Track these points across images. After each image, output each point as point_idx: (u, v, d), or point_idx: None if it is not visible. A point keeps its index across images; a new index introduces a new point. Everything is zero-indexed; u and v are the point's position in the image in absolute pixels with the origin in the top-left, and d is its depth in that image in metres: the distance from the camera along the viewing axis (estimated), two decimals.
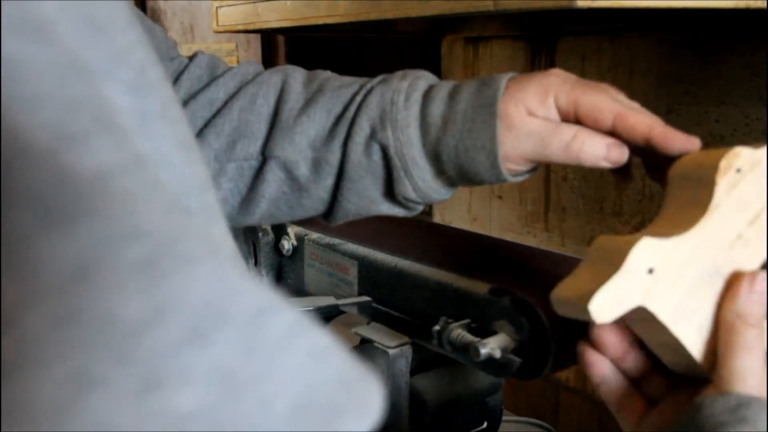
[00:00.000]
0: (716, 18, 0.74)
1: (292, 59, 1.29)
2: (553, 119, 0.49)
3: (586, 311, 0.38)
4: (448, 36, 1.16)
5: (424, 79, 0.54)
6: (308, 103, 0.55)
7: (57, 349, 0.18)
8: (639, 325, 0.42)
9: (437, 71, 1.17)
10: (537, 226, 1.07)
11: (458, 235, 0.76)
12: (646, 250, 0.40)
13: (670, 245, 0.40)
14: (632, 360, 0.45)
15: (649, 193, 0.92)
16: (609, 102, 0.48)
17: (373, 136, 0.53)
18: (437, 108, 0.52)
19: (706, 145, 0.84)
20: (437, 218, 1.22)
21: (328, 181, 0.55)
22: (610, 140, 0.48)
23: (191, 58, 0.60)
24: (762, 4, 0.54)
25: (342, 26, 0.81)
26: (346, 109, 0.54)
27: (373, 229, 0.74)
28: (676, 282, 0.40)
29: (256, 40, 1.35)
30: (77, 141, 0.20)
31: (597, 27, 0.93)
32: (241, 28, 0.96)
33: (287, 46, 1.29)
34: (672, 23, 0.83)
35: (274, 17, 0.88)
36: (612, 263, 0.40)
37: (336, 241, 0.72)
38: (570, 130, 0.48)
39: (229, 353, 0.19)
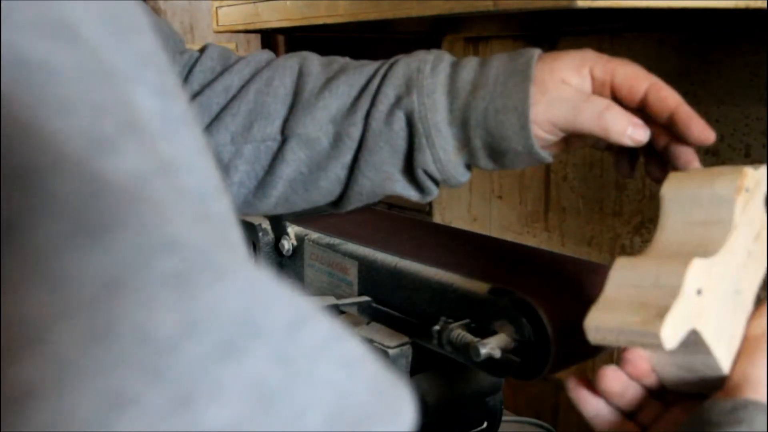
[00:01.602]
0: (716, 18, 0.74)
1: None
2: (586, 89, 0.50)
3: (656, 337, 0.37)
4: (448, 36, 1.16)
5: (447, 54, 0.54)
6: (330, 80, 0.55)
7: (89, 367, 0.17)
8: (678, 348, 0.40)
9: None
10: (537, 226, 1.07)
11: (458, 235, 0.76)
12: (699, 272, 0.39)
13: (711, 265, 0.40)
14: (630, 396, 0.45)
15: (649, 193, 0.92)
16: (644, 72, 0.50)
17: (397, 103, 0.52)
18: (467, 74, 0.52)
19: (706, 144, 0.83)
20: (437, 218, 1.22)
21: (347, 156, 0.54)
22: (637, 119, 0.49)
23: (202, 50, 0.61)
24: (762, 4, 0.54)
25: (342, 26, 0.81)
26: (369, 81, 0.54)
27: (373, 229, 0.74)
28: (714, 301, 0.40)
29: (256, 40, 1.35)
30: (107, 147, 0.20)
31: (597, 27, 0.93)
32: (241, 28, 0.96)
33: (287, 46, 1.29)
34: (672, 23, 0.83)
35: (274, 17, 0.88)
36: (659, 285, 0.39)
37: (336, 241, 0.72)
38: (603, 101, 0.49)
39: (262, 366, 0.19)
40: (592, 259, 0.92)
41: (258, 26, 0.92)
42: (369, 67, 0.55)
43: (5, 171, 0.18)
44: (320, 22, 0.81)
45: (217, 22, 1.00)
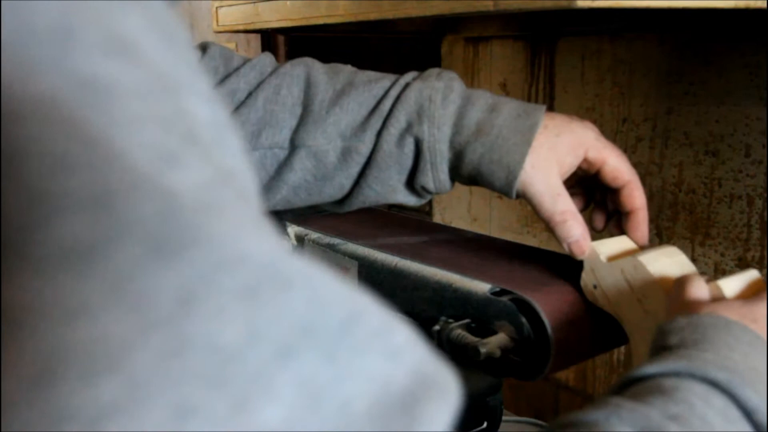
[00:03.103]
0: (716, 18, 0.74)
1: (292, 59, 1.28)
2: (565, 173, 0.56)
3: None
4: (448, 36, 1.16)
5: (457, 81, 0.59)
6: (339, 94, 0.58)
7: (162, 384, 0.18)
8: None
9: None
10: (537, 226, 1.07)
11: (458, 235, 0.76)
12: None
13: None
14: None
15: (649, 193, 0.92)
16: (629, 168, 0.57)
17: (408, 129, 0.57)
18: (475, 114, 0.56)
19: (706, 144, 0.83)
20: (437, 218, 1.22)
21: (354, 169, 0.59)
22: (585, 235, 0.56)
23: (203, 49, 0.61)
24: (762, 4, 0.54)
25: (342, 26, 0.81)
26: (380, 102, 0.58)
27: (373, 229, 0.74)
28: None
29: (256, 40, 1.35)
30: (174, 161, 0.20)
31: (597, 27, 0.93)
32: (241, 28, 0.96)
33: (287, 46, 1.29)
34: (672, 23, 0.83)
35: (274, 17, 0.88)
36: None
37: (336, 241, 0.72)
38: (565, 207, 0.55)
39: (313, 365, 0.20)
40: None
41: (258, 26, 0.92)
42: (378, 85, 0.59)
43: (85, 198, 0.18)
44: (320, 22, 0.81)
45: (217, 22, 1.00)
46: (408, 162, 0.58)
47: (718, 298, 0.45)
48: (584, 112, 0.97)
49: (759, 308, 0.42)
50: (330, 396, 0.20)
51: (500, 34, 1.08)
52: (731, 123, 0.82)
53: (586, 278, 0.55)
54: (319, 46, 1.19)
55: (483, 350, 0.52)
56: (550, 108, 1.02)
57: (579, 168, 0.57)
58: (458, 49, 1.14)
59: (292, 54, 1.27)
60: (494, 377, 0.67)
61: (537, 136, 0.55)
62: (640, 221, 0.57)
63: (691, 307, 0.43)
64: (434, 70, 0.59)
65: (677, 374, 0.36)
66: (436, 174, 0.58)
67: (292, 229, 0.78)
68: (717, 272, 0.86)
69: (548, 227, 0.56)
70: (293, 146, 0.59)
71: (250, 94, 0.59)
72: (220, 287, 0.19)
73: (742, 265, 0.84)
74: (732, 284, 0.47)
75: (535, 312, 0.52)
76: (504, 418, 0.71)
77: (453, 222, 1.19)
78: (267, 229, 0.22)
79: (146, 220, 0.19)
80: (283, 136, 0.59)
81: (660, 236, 0.91)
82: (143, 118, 0.20)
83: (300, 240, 0.77)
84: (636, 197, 0.57)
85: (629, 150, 0.93)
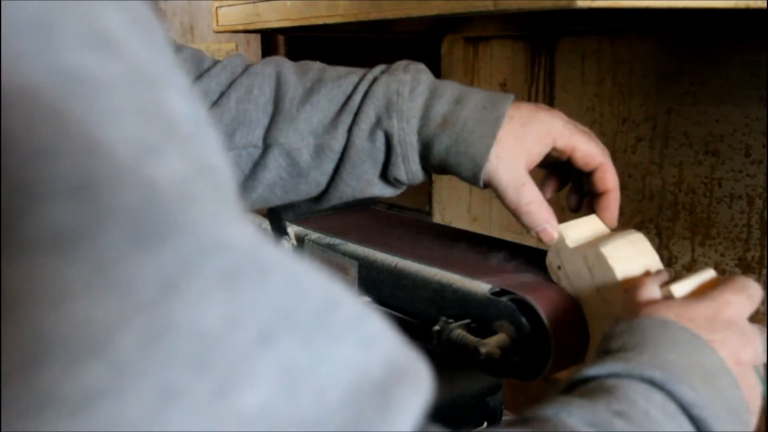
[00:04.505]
0: (716, 18, 0.74)
1: (292, 59, 1.28)
2: (533, 162, 0.57)
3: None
4: (448, 36, 1.16)
5: (425, 73, 0.59)
6: (309, 92, 0.59)
7: (146, 368, 0.18)
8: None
9: (437, 71, 1.17)
10: None
11: (458, 235, 0.76)
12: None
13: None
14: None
15: (649, 194, 0.92)
16: (600, 151, 0.58)
17: (378, 123, 0.58)
18: (441, 107, 0.57)
19: (707, 144, 0.83)
20: (437, 218, 1.22)
21: (329, 166, 0.59)
22: (552, 221, 0.57)
23: (176, 51, 0.61)
24: (762, 4, 0.54)
25: (342, 26, 0.81)
26: (349, 98, 0.58)
27: (373, 229, 0.74)
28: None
29: (256, 40, 1.35)
30: (155, 152, 0.21)
31: (597, 27, 0.93)
32: (241, 28, 0.96)
33: (287, 46, 1.29)
34: (672, 23, 0.83)
35: (274, 17, 0.88)
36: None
37: (336, 241, 0.72)
38: (530, 195, 0.56)
39: (291, 349, 0.20)
40: None
41: (258, 26, 0.92)
42: (347, 80, 0.59)
43: (68, 185, 0.19)
44: (320, 22, 0.81)
45: (217, 22, 1.00)
46: (380, 156, 0.59)
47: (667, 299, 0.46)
48: (584, 112, 0.97)
49: (696, 307, 0.43)
50: (307, 382, 0.21)
51: (500, 34, 1.08)
52: (731, 123, 0.82)
53: (552, 258, 0.57)
54: (319, 46, 1.19)
55: (483, 350, 0.52)
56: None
57: (549, 155, 0.58)
58: (458, 49, 1.14)
59: (292, 54, 1.27)
60: (494, 377, 0.67)
61: (503, 126, 0.55)
62: (611, 202, 0.58)
63: (637, 308, 0.45)
64: (401, 63, 0.60)
65: (617, 375, 0.37)
66: (408, 166, 0.59)
67: (292, 229, 0.78)
68: (717, 272, 0.86)
69: (515, 216, 0.58)
70: (266, 145, 0.59)
71: (222, 95, 0.59)
72: (201, 273, 0.19)
73: (742, 265, 0.84)
74: (685, 287, 0.48)
75: (535, 312, 0.52)
76: (504, 418, 0.71)
77: (453, 222, 1.19)
78: (245, 220, 0.23)
79: (128, 207, 0.19)
80: (257, 135, 0.59)
81: (660, 236, 0.91)
82: (124, 111, 0.21)
83: (300, 240, 0.77)
84: (608, 179, 0.58)
85: (629, 150, 0.93)
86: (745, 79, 0.80)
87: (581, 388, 0.37)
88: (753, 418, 0.41)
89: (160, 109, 0.22)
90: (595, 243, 0.54)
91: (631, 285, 0.49)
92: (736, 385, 0.39)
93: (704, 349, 0.40)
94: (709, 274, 0.50)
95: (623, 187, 0.93)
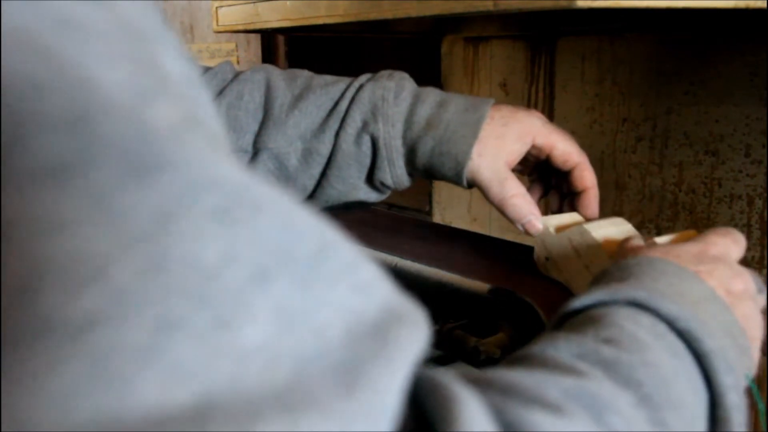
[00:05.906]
0: (716, 18, 0.74)
1: (292, 59, 1.29)
2: (514, 160, 0.59)
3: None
4: (448, 36, 1.16)
5: (408, 81, 0.62)
6: (298, 98, 0.61)
7: (144, 297, 0.19)
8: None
9: (437, 71, 1.17)
10: None
11: (458, 235, 0.76)
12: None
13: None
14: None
15: (649, 194, 0.92)
16: (578, 150, 0.60)
17: (364, 127, 0.60)
18: (424, 111, 0.59)
19: (707, 144, 0.84)
20: (437, 218, 1.22)
21: (316, 170, 0.61)
22: (535, 212, 0.59)
23: None
24: (762, 4, 0.54)
25: (342, 26, 0.81)
26: (337, 104, 0.60)
27: (373, 229, 0.74)
28: None
29: (256, 40, 1.35)
30: (146, 98, 0.21)
31: (597, 27, 0.94)
32: (241, 28, 0.96)
33: (287, 46, 1.29)
34: (672, 23, 0.83)
35: (274, 17, 0.88)
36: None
37: None
38: (513, 189, 0.58)
39: (288, 291, 0.21)
40: None
41: (258, 26, 0.92)
42: (334, 87, 0.61)
43: (64, 118, 0.19)
44: (320, 22, 0.81)
45: (217, 22, 1.00)
46: (366, 160, 0.60)
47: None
48: (584, 112, 0.98)
49: (682, 247, 0.44)
50: (304, 323, 0.21)
51: (500, 34, 1.08)
52: (731, 123, 0.82)
53: (539, 252, 0.58)
54: (319, 46, 1.19)
55: (483, 350, 0.52)
56: (551, 108, 1.02)
57: (529, 154, 0.61)
58: (458, 49, 1.14)
59: (292, 54, 1.27)
60: None
61: (484, 126, 0.58)
62: (591, 199, 0.61)
63: (623, 255, 0.46)
64: (386, 72, 0.62)
65: (604, 303, 0.37)
66: (394, 169, 0.61)
67: None
68: None
69: (500, 211, 0.60)
70: (256, 149, 0.61)
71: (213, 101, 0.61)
72: (196, 207, 0.20)
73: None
74: (667, 238, 0.49)
75: (535, 312, 0.52)
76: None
77: (453, 222, 1.19)
78: (238, 163, 0.23)
79: (122, 141, 0.19)
80: (247, 140, 0.61)
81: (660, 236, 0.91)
82: (117, 57, 0.21)
83: None
84: (586, 177, 0.61)
85: (629, 150, 0.93)
86: (745, 79, 0.80)
87: (569, 322, 0.37)
88: (754, 344, 0.40)
89: (153, 63, 0.22)
90: (578, 225, 0.56)
91: (617, 248, 0.50)
92: (728, 311, 0.39)
93: (692, 279, 0.40)
94: (689, 233, 0.50)
95: (623, 188, 0.94)
